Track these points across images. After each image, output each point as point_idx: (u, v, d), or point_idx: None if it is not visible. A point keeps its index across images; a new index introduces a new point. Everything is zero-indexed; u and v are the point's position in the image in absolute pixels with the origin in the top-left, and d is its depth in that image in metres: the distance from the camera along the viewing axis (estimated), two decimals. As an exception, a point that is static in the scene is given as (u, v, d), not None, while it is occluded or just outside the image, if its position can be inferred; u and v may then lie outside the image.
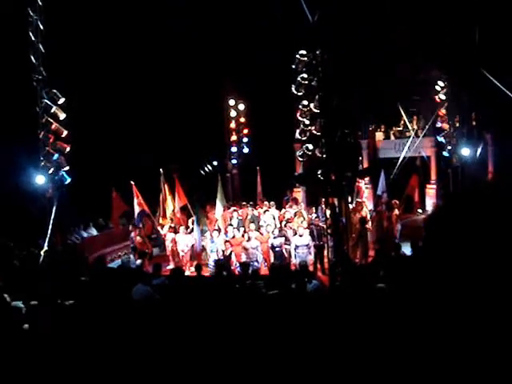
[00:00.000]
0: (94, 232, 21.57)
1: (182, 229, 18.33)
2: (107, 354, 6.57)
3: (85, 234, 21.02)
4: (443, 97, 23.17)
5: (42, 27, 17.15)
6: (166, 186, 19.94)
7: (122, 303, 10.18)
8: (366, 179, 21.92)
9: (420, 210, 23.79)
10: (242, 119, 27.39)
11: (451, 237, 0.98)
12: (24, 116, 17.81)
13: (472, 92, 21.43)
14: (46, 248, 16.06)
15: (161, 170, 19.81)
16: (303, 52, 14.90)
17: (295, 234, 16.97)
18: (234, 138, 27.11)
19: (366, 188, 22.27)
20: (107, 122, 22.25)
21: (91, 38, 20.80)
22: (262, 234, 17.46)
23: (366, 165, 23.75)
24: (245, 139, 27.44)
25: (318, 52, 14.22)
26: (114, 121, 22.59)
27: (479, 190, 0.98)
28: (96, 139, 21.43)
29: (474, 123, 23.60)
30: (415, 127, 24.63)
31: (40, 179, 16.97)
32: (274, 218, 19.51)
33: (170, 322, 7.69)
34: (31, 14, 16.97)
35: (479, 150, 21.86)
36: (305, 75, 15.15)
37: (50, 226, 16.71)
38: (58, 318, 8.37)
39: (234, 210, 20.21)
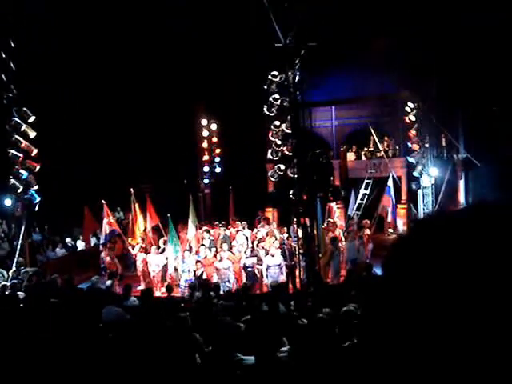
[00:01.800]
0: (63, 252, 21.29)
1: (153, 249, 18.15)
2: (79, 377, 6.46)
3: (53, 254, 20.72)
4: (413, 118, 23.49)
5: (12, 45, 17.02)
6: (136, 205, 19.78)
7: (93, 324, 10.03)
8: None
9: (391, 230, 23.99)
10: (215, 139, 27.43)
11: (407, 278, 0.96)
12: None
13: (441, 114, 21.79)
14: (13, 268, 15.78)
15: (131, 189, 19.67)
16: (275, 73, 15.01)
17: (267, 253, 16.93)
18: (206, 157, 27.09)
19: (338, 208, 22.41)
20: (78, 140, 22.12)
21: (60, 56, 20.70)
22: (233, 254, 17.38)
23: (337, 184, 23.92)
24: (217, 159, 27.46)
25: (289, 73, 14.34)
26: (85, 139, 22.47)
27: (444, 223, 0.96)
28: (66, 158, 21.26)
29: (443, 144, 24.00)
30: (386, 148, 24.93)
31: (7, 202, 16.73)
32: (247, 238, 19.45)
33: (141, 343, 7.59)
34: (1, 32, 16.83)
35: (448, 171, 22.22)
36: (276, 96, 15.25)
37: (19, 246, 16.45)
38: (27, 340, 8.19)
39: (206, 230, 20.11)
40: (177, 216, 20.15)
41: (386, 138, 25.13)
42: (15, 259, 16.16)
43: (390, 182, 22.02)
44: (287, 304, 10.72)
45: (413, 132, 23.83)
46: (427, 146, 23.74)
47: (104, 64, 22.26)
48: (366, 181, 23.19)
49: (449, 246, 0.91)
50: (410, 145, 23.89)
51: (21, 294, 12.37)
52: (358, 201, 21.65)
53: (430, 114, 22.38)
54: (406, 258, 0.96)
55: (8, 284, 13.60)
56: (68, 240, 22.09)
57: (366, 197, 21.97)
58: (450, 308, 0.86)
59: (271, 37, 14.25)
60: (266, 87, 15.51)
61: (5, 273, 14.57)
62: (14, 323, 9.10)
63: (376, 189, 23.46)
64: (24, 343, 7.56)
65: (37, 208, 17.36)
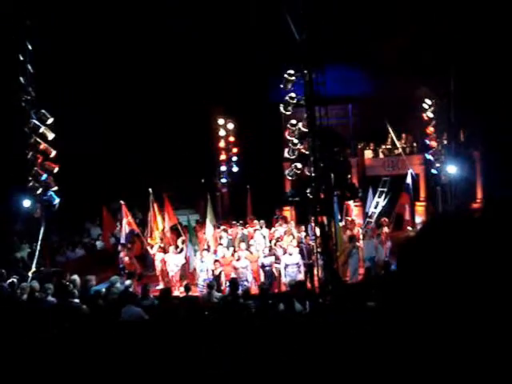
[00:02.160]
0: (82, 252, 21.43)
1: (171, 249, 18.22)
2: (99, 378, 6.49)
3: (73, 255, 20.87)
4: (431, 115, 23.33)
5: (30, 47, 17.15)
6: (155, 205, 19.84)
7: (112, 324, 10.10)
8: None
9: (410, 228, 23.81)
10: (232, 138, 27.43)
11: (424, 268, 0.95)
12: (11, 137, 17.75)
13: (459, 110, 21.63)
14: (33, 269, 15.92)
15: (150, 189, 19.75)
16: (291, 71, 14.96)
17: (285, 252, 16.91)
18: (223, 157, 27.11)
19: (356, 206, 22.32)
20: (97, 141, 22.25)
21: (78, 59, 20.86)
22: (251, 253, 17.38)
23: (355, 182, 23.81)
24: (234, 158, 27.45)
25: (305, 71, 14.28)
26: (103, 140, 22.61)
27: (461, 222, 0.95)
28: (85, 159, 21.40)
29: (461, 140, 23.80)
30: (404, 145, 24.78)
31: (26, 203, 16.87)
32: (264, 237, 19.45)
33: (159, 343, 7.62)
34: (18, 34, 16.98)
35: (466, 168, 22.06)
36: (293, 94, 15.21)
37: (38, 247, 16.58)
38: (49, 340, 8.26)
39: (224, 230, 20.15)
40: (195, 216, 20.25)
41: (403, 135, 24.96)
42: (35, 260, 16.29)
43: (409, 180, 21.88)
44: (304, 303, 10.72)
45: (430, 129, 23.67)
46: (445, 142, 23.59)
47: (123, 65, 22.40)
48: (383, 178, 23.04)
49: (456, 244, 0.90)
50: (427, 142, 23.72)
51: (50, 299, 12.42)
52: (376, 199, 21.51)
53: (447, 110, 22.23)
54: (416, 254, 0.95)
55: (15, 280, 13.72)
56: (87, 240, 22.24)
57: (384, 195, 21.82)
58: (454, 302, 0.86)
59: (287, 34, 14.22)
60: (282, 86, 15.46)
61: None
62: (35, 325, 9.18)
63: (394, 187, 23.33)
64: (46, 343, 7.62)
65: (56, 209, 17.50)
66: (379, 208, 21.00)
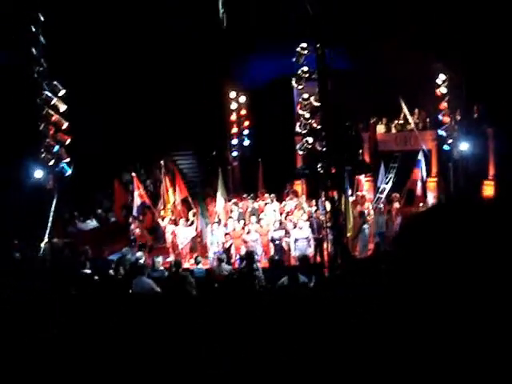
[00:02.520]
0: (94, 223, 21.61)
1: (181, 221, 18.33)
2: (108, 349, 6.59)
3: (84, 226, 21.04)
4: (444, 90, 23.11)
5: (42, 18, 17.10)
6: (166, 178, 19.92)
7: (123, 295, 10.22)
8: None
9: (421, 204, 23.78)
10: (243, 111, 27.33)
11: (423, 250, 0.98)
12: (24, 108, 17.79)
13: (473, 85, 21.42)
14: (46, 240, 16.08)
15: (161, 162, 19.80)
16: (304, 45, 14.85)
17: (295, 226, 16.97)
18: (234, 130, 27.03)
19: (367, 181, 22.28)
20: (109, 114, 22.27)
21: (92, 29, 20.78)
22: (261, 226, 17.46)
23: (366, 158, 23.74)
24: (245, 131, 27.37)
25: (318, 45, 14.19)
26: (115, 114, 22.62)
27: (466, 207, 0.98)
28: (97, 131, 21.44)
29: (475, 117, 23.60)
30: (416, 120, 24.59)
31: (38, 173, 16.96)
32: (275, 211, 19.49)
33: (170, 314, 7.71)
34: (31, 5, 16.93)
35: (479, 144, 21.94)
36: (305, 68, 15.12)
37: (51, 218, 16.72)
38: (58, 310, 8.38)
39: (235, 203, 20.21)
40: (206, 188, 20.30)
41: (416, 111, 24.75)
42: (47, 231, 16.43)
43: (421, 155, 21.80)
44: (309, 276, 10.78)
45: (444, 104, 23.45)
46: (458, 118, 23.38)
47: (135, 36, 22.29)
48: (395, 154, 22.95)
49: (460, 231, 0.92)
50: (440, 117, 23.53)
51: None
52: (387, 174, 21.46)
53: (462, 86, 22.02)
54: (417, 236, 0.98)
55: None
56: (99, 211, 22.38)
57: (395, 170, 21.76)
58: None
59: (299, 7, 14.10)
60: (294, 60, 15.37)
61: None
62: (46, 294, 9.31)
63: (406, 162, 23.24)
64: (56, 315, 7.74)
65: (68, 180, 17.61)
66: (390, 183, 20.97)
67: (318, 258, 17.03)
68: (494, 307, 0.88)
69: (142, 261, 13.81)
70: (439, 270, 0.94)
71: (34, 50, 16.99)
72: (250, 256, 13.56)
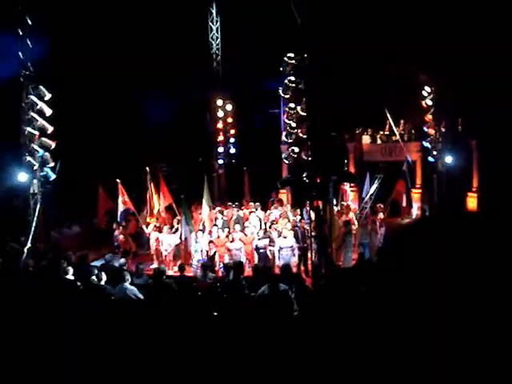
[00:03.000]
0: (78, 229, 21.47)
1: (165, 228, 18.28)
2: (90, 354, 6.55)
3: (68, 231, 20.90)
4: (430, 102, 23.34)
5: (29, 22, 17.05)
6: (152, 184, 19.86)
7: (105, 302, 10.16)
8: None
9: (406, 215, 23.92)
10: (230, 119, 27.35)
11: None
12: (8, 112, 17.68)
13: (459, 98, 21.62)
14: (29, 245, 15.96)
15: (147, 168, 19.74)
16: (291, 55, 14.91)
17: (279, 235, 16.96)
18: (220, 138, 27.04)
19: (352, 191, 22.36)
20: (94, 119, 22.19)
21: (79, 31, 20.72)
22: (246, 235, 17.43)
23: (351, 168, 23.86)
24: (232, 139, 27.40)
25: (305, 55, 14.24)
26: (101, 119, 22.54)
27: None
28: (82, 136, 21.35)
29: (459, 129, 23.82)
30: (401, 132, 24.77)
31: (22, 176, 16.85)
32: (260, 220, 19.49)
33: (152, 321, 7.68)
34: (18, 9, 16.88)
35: (463, 156, 22.15)
36: (292, 78, 15.17)
37: (34, 223, 16.61)
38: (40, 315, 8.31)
39: (220, 211, 20.19)
40: (191, 196, 20.24)
41: (401, 122, 24.93)
42: (30, 236, 16.32)
43: (405, 166, 21.96)
44: (290, 286, 10.76)
45: (429, 116, 23.69)
46: (443, 130, 23.60)
47: (121, 40, 22.23)
48: (380, 165, 23.10)
49: (445, 241, 0.94)
50: (425, 129, 23.75)
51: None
52: (372, 185, 21.57)
53: (447, 98, 22.23)
54: (397, 249, 0.99)
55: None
56: (84, 218, 22.25)
57: (379, 181, 21.88)
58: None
59: (288, 17, 14.14)
60: (281, 69, 15.42)
61: None
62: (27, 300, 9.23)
63: (391, 173, 23.39)
64: (36, 321, 7.67)
65: (52, 185, 17.52)
66: (374, 194, 21.09)
67: (302, 268, 17.03)
68: (478, 313, 0.90)
69: (125, 267, 13.72)
70: (421, 280, 0.96)
71: (20, 53, 16.94)
72: (238, 265, 13.50)
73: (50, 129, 17.27)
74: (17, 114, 17.28)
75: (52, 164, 17.28)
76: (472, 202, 21.48)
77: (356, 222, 18.81)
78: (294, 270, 15.88)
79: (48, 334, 6.94)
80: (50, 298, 9.61)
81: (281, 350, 5.84)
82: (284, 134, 16.65)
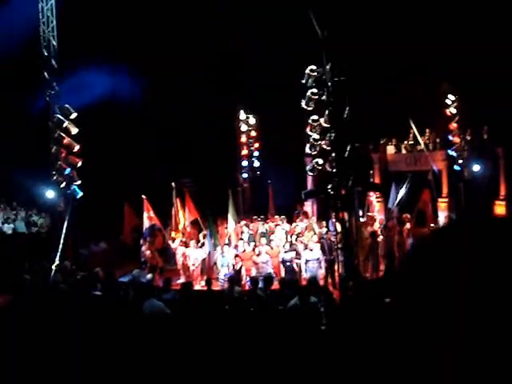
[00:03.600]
0: (105, 246, 21.66)
1: (192, 243, 18.35)
2: (119, 369, 6.58)
3: (96, 248, 21.09)
4: (454, 110, 23.18)
5: (55, 43, 17.36)
6: (177, 199, 19.95)
7: (134, 318, 10.21)
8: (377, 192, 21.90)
9: (432, 225, 23.69)
10: (253, 133, 27.44)
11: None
12: (36, 131, 17.98)
13: (484, 106, 21.44)
14: (57, 262, 16.13)
15: (173, 184, 19.87)
16: (313, 67, 14.93)
17: (306, 248, 16.92)
18: (244, 151, 27.13)
19: (378, 202, 22.22)
20: (120, 137, 22.41)
21: (100, 48, 20.99)
22: (272, 248, 17.42)
23: (376, 178, 23.73)
24: (256, 153, 27.47)
25: (327, 67, 14.26)
26: (126, 135, 22.76)
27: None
28: (108, 153, 21.58)
29: (485, 137, 23.59)
30: (426, 141, 24.61)
31: (50, 194, 17.07)
32: (286, 232, 19.47)
33: (181, 337, 7.70)
34: (45, 32, 17.21)
35: (489, 164, 21.92)
36: (314, 90, 15.16)
37: (62, 240, 16.79)
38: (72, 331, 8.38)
39: (245, 225, 20.21)
40: (216, 210, 20.31)
41: (426, 131, 24.78)
42: (58, 253, 16.48)
43: (431, 176, 21.78)
44: (319, 298, 10.72)
45: (453, 125, 23.52)
46: (468, 138, 23.41)
47: (143, 59, 22.47)
48: (407, 175, 22.97)
49: (472, 251, 0.93)
50: (450, 138, 23.57)
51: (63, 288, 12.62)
52: (398, 195, 21.42)
53: (471, 106, 22.07)
54: (423, 258, 0.99)
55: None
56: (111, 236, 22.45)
57: (406, 190, 21.73)
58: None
59: (309, 30, 14.19)
60: (304, 81, 15.43)
61: None
62: (57, 317, 9.30)
63: (417, 183, 23.24)
64: (66, 336, 7.74)
65: (79, 202, 17.71)
66: (400, 204, 20.93)
67: (329, 280, 16.96)
68: (505, 326, 0.89)
69: (152, 283, 13.79)
70: (449, 291, 0.95)
71: (45, 73, 17.22)
72: (269, 280, 13.45)
73: (77, 147, 17.49)
74: (45, 133, 17.53)
75: (78, 182, 17.48)
76: (500, 210, 21.21)
77: (382, 233, 18.69)
78: (321, 282, 15.82)
79: (77, 349, 6.99)
80: (79, 313, 9.69)
81: (309, 363, 5.82)
82: (307, 146, 16.61)
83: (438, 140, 24.60)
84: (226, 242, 18.41)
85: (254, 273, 16.28)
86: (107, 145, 21.52)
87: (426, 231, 22.62)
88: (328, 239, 17.42)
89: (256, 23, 21.23)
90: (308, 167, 16.94)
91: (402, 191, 21.14)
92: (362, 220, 18.32)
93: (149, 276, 14.57)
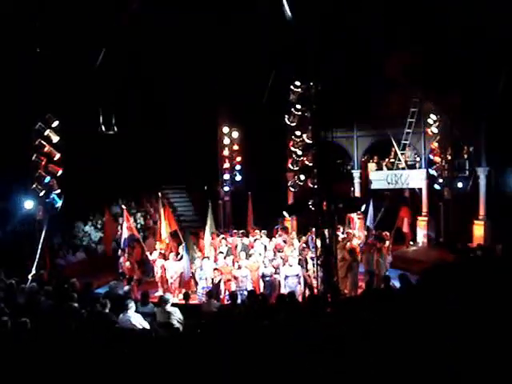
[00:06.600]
0: (83, 256, 21.44)
1: (171, 255, 18.19)
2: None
3: (73, 258, 20.87)
4: (435, 130, 23.39)
5: (38, 50, 17.20)
6: (163, 209, 19.65)
7: (110, 330, 10.08)
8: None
9: (412, 242, 23.82)
10: (236, 147, 27.44)
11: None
12: (15, 138, 17.75)
13: (464, 126, 21.66)
14: (33, 272, 15.89)
15: (159, 193, 19.74)
16: (297, 83, 15.00)
17: (285, 263, 16.85)
18: (226, 165, 27.11)
19: (358, 219, 22.27)
20: (101, 146, 22.24)
21: (85, 58, 20.85)
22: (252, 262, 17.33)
23: (358, 195, 23.80)
24: (237, 167, 27.44)
25: (311, 83, 14.32)
26: (107, 145, 22.59)
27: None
28: (88, 163, 21.40)
29: (465, 156, 23.81)
30: (407, 159, 24.78)
31: (28, 204, 16.85)
32: (265, 247, 19.36)
33: (159, 350, 7.61)
34: (25, 36, 17.06)
35: (469, 184, 22.12)
36: (298, 106, 15.24)
37: (39, 250, 16.57)
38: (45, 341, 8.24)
39: (223, 238, 20.06)
40: (198, 223, 20.20)
41: (407, 150, 24.94)
42: (35, 262, 16.26)
43: (407, 193, 21.96)
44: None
45: (435, 144, 23.73)
46: (449, 158, 23.61)
47: (129, 65, 22.32)
48: (385, 193, 23.09)
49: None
50: (431, 157, 23.77)
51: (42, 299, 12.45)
52: (377, 213, 21.50)
53: (452, 126, 22.28)
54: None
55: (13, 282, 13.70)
56: (87, 244, 22.26)
57: (384, 209, 21.87)
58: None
59: (294, 46, 14.24)
60: (288, 97, 15.50)
61: None
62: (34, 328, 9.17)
63: (396, 200, 23.37)
64: (42, 347, 7.62)
65: (58, 211, 17.50)
66: (377, 222, 21.05)
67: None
68: None
69: (129, 295, 13.63)
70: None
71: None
72: (252, 295, 13.41)
73: (57, 155, 17.30)
74: (25, 141, 17.32)
75: (58, 190, 17.29)
76: (479, 230, 21.34)
77: (361, 250, 18.69)
78: (300, 298, 15.78)
79: (52, 362, 6.87)
80: (55, 324, 9.55)
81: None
82: (290, 161, 16.64)
83: (418, 159, 24.80)
84: (207, 254, 18.30)
85: (233, 287, 16.19)
86: (88, 154, 21.33)
87: (404, 250, 22.79)
88: (304, 256, 17.33)
89: (242, 36, 21.23)
90: (290, 183, 16.97)
91: (381, 210, 21.27)
92: (341, 236, 18.33)
93: (126, 288, 14.42)
